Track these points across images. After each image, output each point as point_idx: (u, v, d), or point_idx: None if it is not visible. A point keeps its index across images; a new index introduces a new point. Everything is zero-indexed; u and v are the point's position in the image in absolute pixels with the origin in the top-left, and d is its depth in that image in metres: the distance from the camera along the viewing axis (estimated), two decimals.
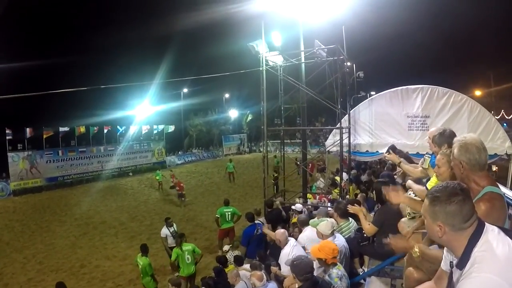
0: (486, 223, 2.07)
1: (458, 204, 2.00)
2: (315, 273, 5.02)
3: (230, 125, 63.23)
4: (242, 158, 48.99)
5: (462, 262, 2.01)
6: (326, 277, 5.00)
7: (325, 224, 6.18)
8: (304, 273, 4.63)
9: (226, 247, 11.46)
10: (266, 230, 9.49)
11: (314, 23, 14.50)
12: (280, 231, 7.20)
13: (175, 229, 12.98)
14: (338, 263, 5.30)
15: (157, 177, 28.81)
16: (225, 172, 31.68)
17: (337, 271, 5.09)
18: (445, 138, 4.14)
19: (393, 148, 8.09)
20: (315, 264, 5.21)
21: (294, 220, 9.97)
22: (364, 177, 16.55)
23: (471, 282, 1.88)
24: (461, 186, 2.09)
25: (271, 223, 11.31)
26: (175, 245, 11.36)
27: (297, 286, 4.76)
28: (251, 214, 11.93)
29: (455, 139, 3.08)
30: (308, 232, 7.07)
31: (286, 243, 6.85)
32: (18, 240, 17.96)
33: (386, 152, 7.27)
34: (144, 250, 10.92)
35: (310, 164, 19.26)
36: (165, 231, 12.82)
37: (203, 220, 19.52)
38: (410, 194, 5.14)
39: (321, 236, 6.07)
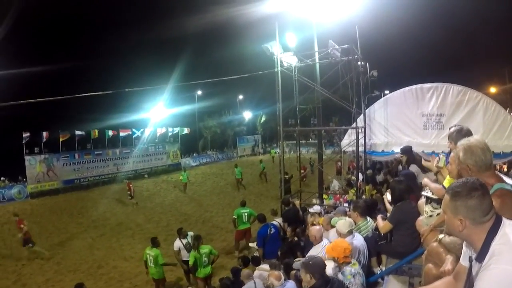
0: (503, 218, 2.11)
1: (478, 198, 2.05)
2: (331, 272, 5.06)
3: (244, 126, 63.30)
4: (256, 159, 48.90)
5: (481, 255, 2.06)
6: (340, 275, 5.03)
7: (343, 222, 6.20)
8: (320, 271, 4.67)
9: (252, 244, 11.43)
10: None
11: (327, 23, 14.50)
12: (316, 227, 7.18)
13: (190, 240, 11.58)
14: (353, 261, 5.32)
15: (181, 177, 28.98)
16: (235, 178, 30.57)
17: (351, 269, 5.11)
18: (462, 136, 4.15)
19: (409, 150, 8.06)
20: (332, 264, 5.24)
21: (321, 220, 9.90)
22: (379, 177, 16.51)
23: (490, 274, 1.93)
24: (480, 181, 2.14)
25: (288, 222, 11.34)
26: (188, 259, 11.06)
27: (308, 286, 4.77)
28: (262, 215, 12.03)
29: (458, 143, 3.09)
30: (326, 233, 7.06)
31: (319, 242, 6.81)
32: (35, 241, 18.12)
33: (401, 154, 7.33)
34: (154, 242, 11.19)
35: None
36: (177, 244, 11.65)
37: (219, 221, 19.64)
38: (427, 192, 5.16)
39: (339, 234, 6.09)
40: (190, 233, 11.90)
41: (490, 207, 2.08)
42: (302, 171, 24.23)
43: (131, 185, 25.04)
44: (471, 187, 2.09)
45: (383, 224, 6.14)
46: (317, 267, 4.66)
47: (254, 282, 7.06)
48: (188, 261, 10.96)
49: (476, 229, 2.08)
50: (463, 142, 2.99)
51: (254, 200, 23.49)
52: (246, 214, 14.34)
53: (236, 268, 9.04)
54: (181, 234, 11.68)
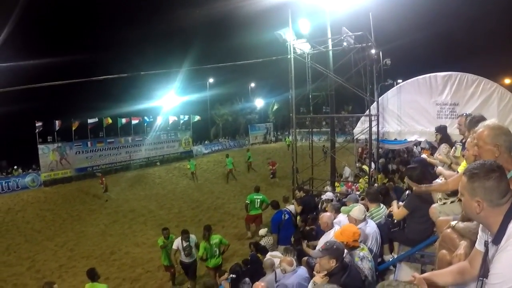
0: None
1: (496, 180, 2.04)
2: None
3: (256, 114, 63.02)
4: (268, 147, 49.07)
5: (498, 237, 2.06)
6: (348, 257, 5.02)
7: (358, 209, 6.19)
8: (342, 255, 4.68)
9: (262, 232, 11.44)
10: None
11: (341, 10, 14.38)
12: (327, 214, 7.21)
13: (191, 244, 10.66)
14: (362, 245, 5.32)
15: (188, 166, 29.09)
16: (225, 170, 29.41)
17: (359, 252, 5.13)
18: (476, 122, 4.13)
19: (444, 128, 8.00)
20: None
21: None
22: (391, 166, 16.48)
23: (507, 255, 1.94)
24: (497, 163, 2.14)
25: (304, 206, 11.43)
26: (186, 260, 10.67)
27: (325, 271, 4.77)
28: (275, 202, 12.17)
29: (481, 124, 3.06)
30: (340, 219, 7.04)
31: (331, 228, 6.83)
32: (49, 228, 18.43)
33: (435, 131, 7.34)
34: (163, 233, 11.51)
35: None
36: (177, 243, 10.65)
37: (230, 208, 19.75)
38: (441, 180, 5.14)
39: (354, 221, 6.06)
40: (193, 237, 10.95)
41: (507, 189, 2.07)
42: (270, 167, 23.95)
43: (103, 179, 24.61)
44: (489, 169, 2.08)
45: (398, 210, 6.12)
46: (341, 251, 4.67)
47: (275, 273, 7.06)
48: (185, 262, 10.75)
49: (494, 211, 2.07)
50: (489, 123, 2.97)
51: (266, 188, 23.35)
52: (259, 200, 14.43)
53: (254, 255, 9.03)
54: (184, 236, 10.62)
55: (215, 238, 10.64)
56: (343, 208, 7.11)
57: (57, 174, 30.25)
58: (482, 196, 2.07)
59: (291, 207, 11.77)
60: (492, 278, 2.00)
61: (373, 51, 13.63)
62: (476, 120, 4.27)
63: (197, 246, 10.75)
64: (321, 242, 6.33)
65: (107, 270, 12.81)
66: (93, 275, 8.73)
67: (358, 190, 13.50)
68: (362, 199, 8.83)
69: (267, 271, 7.21)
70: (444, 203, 4.88)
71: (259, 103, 62.97)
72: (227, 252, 11.50)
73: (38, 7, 42.95)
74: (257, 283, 6.13)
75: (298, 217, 11.21)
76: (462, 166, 4.45)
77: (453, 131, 10.53)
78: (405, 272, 5.48)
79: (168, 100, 46.70)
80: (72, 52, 44.89)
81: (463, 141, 5.53)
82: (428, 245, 5.47)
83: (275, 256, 7.92)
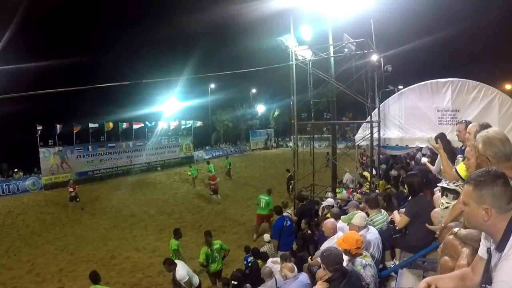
0: None
1: (503, 185, 2.03)
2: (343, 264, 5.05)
3: (257, 120, 63.07)
4: (269, 153, 49.11)
5: (502, 244, 2.04)
6: (350, 265, 5.02)
7: (360, 216, 6.19)
8: (334, 264, 4.65)
9: (267, 237, 11.43)
10: None
11: (342, 17, 14.43)
12: (330, 220, 7.21)
13: (176, 277, 8.81)
14: (365, 252, 5.31)
15: (189, 172, 28.98)
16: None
17: (361, 260, 5.11)
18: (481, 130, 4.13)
19: (443, 136, 8.01)
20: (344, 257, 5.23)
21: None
22: (393, 172, 16.47)
23: (511, 264, 1.92)
24: (500, 170, 2.13)
25: (302, 216, 11.40)
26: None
27: (326, 277, 4.78)
28: (279, 207, 12.05)
29: (478, 135, 3.08)
30: (343, 225, 7.03)
31: (333, 235, 6.83)
32: (49, 232, 18.38)
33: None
34: (176, 233, 11.49)
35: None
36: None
37: (231, 214, 19.65)
38: (443, 183, 5.14)
39: (357, 228, 6.05)
40: (180, 268, 9.11)
41: (511, 195, 2.06)
42: (211, 182, 23.42)
43: (75, 186, 23.59)
44: (495, 175, 2.07)
45: (400, 219, 6.12)
46: (331, 260, 4.65)
47: (275, 280, 7.05)
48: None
49: (500, 217, 2.05)
50: (482, 134, 2.99)
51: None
52: (264, 200, 14.67)
53: (255, 263, 9.03)
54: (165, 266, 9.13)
55: (216, 244, 10.61)
56: (343, 217, 7.10)
57: (58, 178, 30.13)
58: (491, 203, 2.05)
59: (290, 211, 11.83)
60: (496, 286, 1.99)
61: (374, 57, 13.62)
62: (481, 128, 4.25)
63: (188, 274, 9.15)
64: (323, 248, 6.33)
65: (107, 275, 12.71)
66: (95, 278, 8.74)
67: (362, 193, 13.51)
68: (360, 203, 8.86)
69: (266, 279, 7.21)
70: (447, 207, 4.88)
71: (260, 109, 63.03)
72: (227, 257, 11.46)
73: (40, 10, 43.06)
74: None
75: (303, 222, 11.19)
76: (461, 165, 4.43)
77: (454, 137, 10.55)
78: (406, 278, 5.48)
79: (170, 106, 46.67)
80: (74, 56, 44.99)
81: (462, 148, 5.54)
82: (430, 251, 5.46)
83: (276, 262, 7.92)
